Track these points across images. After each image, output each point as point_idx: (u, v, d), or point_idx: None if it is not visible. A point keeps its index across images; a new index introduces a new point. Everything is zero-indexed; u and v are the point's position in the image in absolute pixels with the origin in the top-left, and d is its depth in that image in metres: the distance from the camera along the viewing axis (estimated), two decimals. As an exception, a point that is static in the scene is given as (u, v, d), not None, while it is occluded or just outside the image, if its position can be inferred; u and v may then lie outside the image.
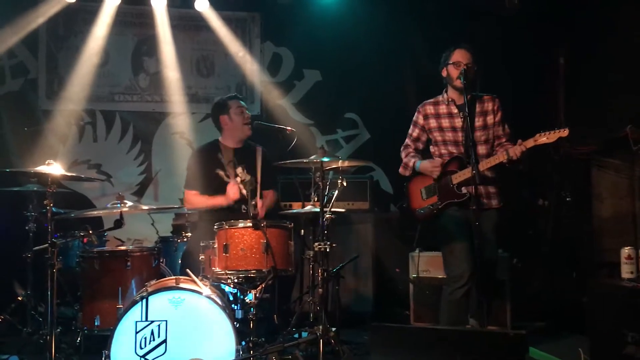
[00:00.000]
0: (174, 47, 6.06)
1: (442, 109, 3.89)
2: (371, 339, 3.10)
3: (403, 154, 4.03)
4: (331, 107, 6.35)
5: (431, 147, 3.98)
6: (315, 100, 6.35)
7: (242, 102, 4.52)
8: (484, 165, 3.65)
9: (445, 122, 3.87)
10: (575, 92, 5.52)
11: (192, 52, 6.27)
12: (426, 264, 4.75)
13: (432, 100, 3.95)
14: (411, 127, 4.02)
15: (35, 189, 4.52)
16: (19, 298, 4.61)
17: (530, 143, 3.57)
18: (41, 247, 3.49)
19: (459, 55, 3.76)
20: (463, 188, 3.69)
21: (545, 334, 4.53)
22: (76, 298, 4.23)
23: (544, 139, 3.53)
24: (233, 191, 4.19)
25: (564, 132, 3.50)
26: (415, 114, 3.99)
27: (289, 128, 4.47)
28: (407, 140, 4.04)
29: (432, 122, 3.91)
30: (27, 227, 4.55)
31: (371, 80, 6.17)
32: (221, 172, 4.35)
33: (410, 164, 3.94)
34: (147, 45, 6.18)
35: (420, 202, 3.89)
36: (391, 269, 5.34)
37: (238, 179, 4.26)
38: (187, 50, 6.23)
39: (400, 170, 4.02)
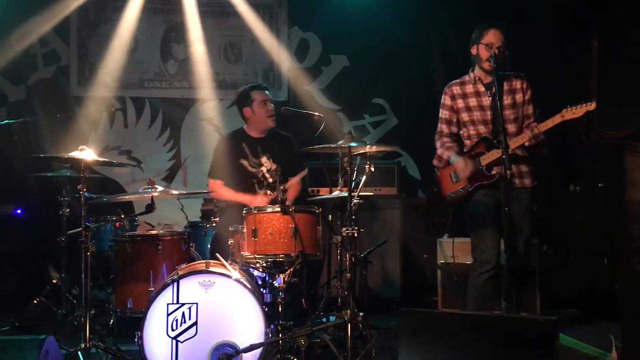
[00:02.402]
0: (202, 33, 6.10)
1: (469, 88, 3.82)
2: (399, 323, 3.09)
3: (438, 144, 3.93)
4: (358, 93, 6.33)
5: (460, 129, 3.93)
6: (342, 86, 6.33)
7: (266, 92, 4.49)
8: (511, 145, 3.58)
9: (473, 102, 3.80)
10: (608, 75, 5.39)
11: (219, 38, 6.30)
12: (455, 250, 4.73)
13: (458, 80, 3.89)
14: (440, 110, 3.94)
15: (68, 174, 4.60)
16: (53, 281, 4.72)
17: (557, 119, 3.49)
18: (75, 231, 3.57)
19: (492, 36, 3.67)
20: (493, 169, 3.65)
21: (577, 321, 4.48)
22: (109, 281, 4.32)
23: (570, 113, 3.45)
24: (260, 202, 4.19)
25: (591, 106, 3.41)
26: (443, 96, 3.93)
27: (316, 114, 4.47)
28: (440, 125, 3.94)
29: (460, 103, 3.84)
30: (60, 212, 4.64)
31: (399, 65, 6.12)
32: (245, 162, 4.36)
33: (445, 156, 3.87)
34: (176, 31, 6.23)
35: (451, 186, 3.85)
36: (419, 254, 5.33)
37: (263, 168, 4.28)
38: (215, 36, 6.25)
39: (435, 162, 3.95)
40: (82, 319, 3.47)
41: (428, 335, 2.92)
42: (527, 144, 3.59)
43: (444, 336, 2.87)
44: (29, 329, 4.46)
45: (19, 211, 5.44)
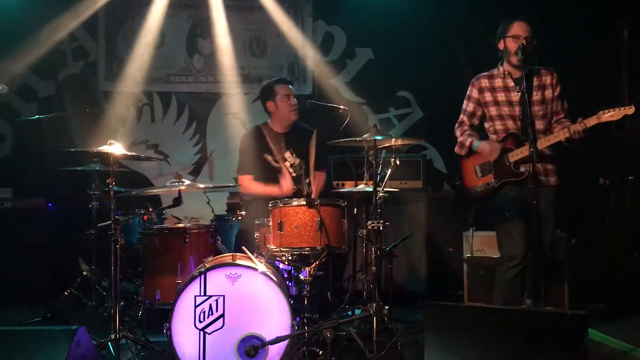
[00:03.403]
0: (227, 27, 6.14)
1: (498, 82, 3.78)
2: (425, 317, 3.09)
3: (458, 132, 3.92)
4: (383, 86, 6.30)
5: (485, 122, 3.88)
6: (367, 79, 6.31)
7: (290, 86, 4.49)
8: (543, 143, 3.53)
9: (501, 96, 3.76)
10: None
11: (244, 33, 6.32)
12: (481, 244, 4.70)
13: (486, 73, 3.84)
14: (465, 102, 3.90)
15: (97, 168, 4.68)
16: (84, 273, 4.82)
17: (592, 121, 3.43)
18: (104, 224, 3.63)
19: (519, 28, 3.62)
20: (521, 166, 3.61)
21: (606, 315, 4.42)
22: (137, 273, 4.39)
23: (608, 116, 3.39)
24: (286, 185, 4.21)
25: (630, 110, 3.35)
26: (469, 87, 3.88)
27: (341, 107, 4.47)
28: (462, 117, 3.92)
29: (488, 96, 3.80)
30: (90, 205, 4.72)
31: (424, 57, 6.08)
32: (269, 157, 4.37)
33: (467, 143, 3.83)
34: (201, 26, 6.28)
35: (475, 180, 3.82)
36: (444, 248, 5.31)
37: (287, 163, 4.30)
38: (240, 30, 6.28)
39: (456, 149, 3.93)
40: (112, 310, 3.53)
41: (454, 329, 2.91)
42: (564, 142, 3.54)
43: (470, 330, 2.86)
44: (61, 320, 4.56)
45: (49, 205, 5.56)
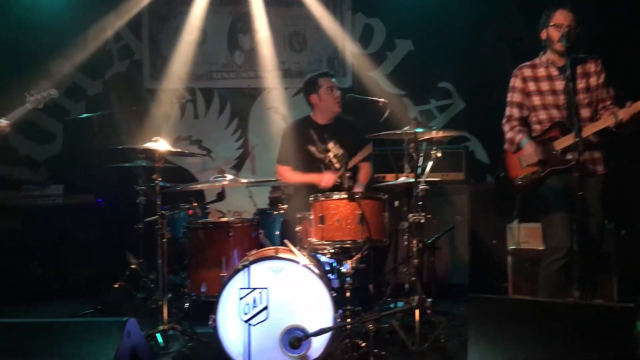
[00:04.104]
0: (267, 23, 6.19)
1: (541, 71, 3.70)
2: (468, 310, 3.07)
3: (507, 127, 3.79)
4: (424, 77, 6.25)
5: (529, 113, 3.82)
6: (407, 71, 6.27)
7: (332, 79, 4.52)
8: (589, 130, 3.44)
9: (545, 86, 3.68)
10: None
11: (284, 28, 6.36)
12: (526, 235, 4.62)
13: (529, 63, 3.77)
14: (509, 94, 3.82)
15: (143, 164, 4.80)
16: (132, 266, 4.95)
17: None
18: (151, 218, 3.74)
19: (561, 17, 3.55)
20: (568, 154, 3.53)
21: (656, 308, 4.29)
22: (183, 266, 4.50)
23: None
24: (328, 179, 4.23)
25: None
26: (512, 78, 3.80)
27: (381, 100, 4.46)
28: (511, 110, 3.80)
29: (531, 86, 3.72)
30: (137, 201, 4.86)
31: (465, 47, 6.00)
32: (313, 148, 4.41)
33: (517, 139, 3.72)
34: (242, 22, 6.35)
35: (520, 170, 3.75)
36: (488, 240, 5.25)
37: (330, 154, 4.32)
38: (280, 25, 6.32)
39: (506, 146, 3.81)
40: (160, 302, 3.63)
41: (498, 322, 2.88)
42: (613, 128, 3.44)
43: (515, 323, 2.82)
44: (111, 311, 4.71)
45: (99, 200, 5.74)
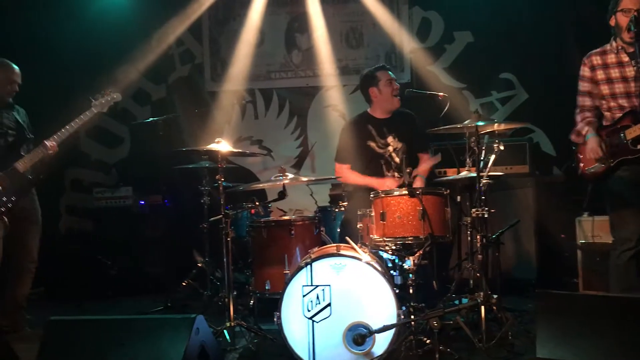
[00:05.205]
0: (323, 21, 6.21)
1: (611, 58, 3.56)
2: (537, 306, 2.99)
3: (578, 118, 3.69)
4: (485, 69, 6.12)
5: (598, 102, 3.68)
6: (467, 63, 6.15)
7: (390, 73, 4.49)
8: None
9: (615, 73, 3.54)
10: None
11: (341, 25, 6.38)
12: (597, 229, 4.45)
13: (598, 50, 3.63)
14: (580, 83, 3.69)
15: (207, 165, 4.92)
16: (198, 265, 5.10)
17: None
18: (216, 218, 3.82)
19: (629, 1, 3.40)
20: (638, 144, 3.38)
21: None
22: (247, 264, 4.59)
23: None
24: (388, 186, 4.19)
25: None
26: (581, 67, 3.68)
27: (440, 94, 4.40)
28: (582, 99, 3.68)
29: (600, 74, 3.59)
30: (202, 201, 4.99)
31: (527, 35, 5.83)
32: (372, 143, 4.40)
33: (584, 132, 3.61)
34: (299, 22, 6.40)
35: (591, 161, 3.62)
36: (555, 234, 5.08)
37: (390, 148, 4.30)
38: (337, 23, 6.34)
39: (572, 137, 3.71)
40: (226, 299, 3.72)
41: (568, 318, 2.80)
42: None
43: (586, 320, 2.74)
44: (179, 308, 4.87)
45: (166, 201, 5.92)
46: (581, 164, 3.67)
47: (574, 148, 3.76)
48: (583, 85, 3.68)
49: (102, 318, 3.16)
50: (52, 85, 5.73)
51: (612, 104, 3.56)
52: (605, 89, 3.58)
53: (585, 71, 3.66)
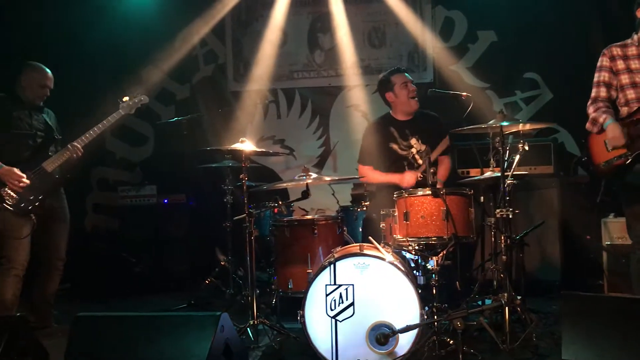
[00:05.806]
0: (346, 21, 6.22)
1: (632, 50, 3.53)
2: (562, 308, 2.97)
3: (591, 109, 3.63)
4: (508, 68, 6.08)
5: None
6: (490, 63, 6.11)
7: (407, 75, 4.48)
8: None
9: (635, 64, 3.50)
10: None
11: (363, 24, 6.37)
12: (622, 230, 4.38)
13: (619, 43, 3.59)
14: (597, 74, 3.64)
15: (230, 164, 4.96)
16: (221, 263, 5.14)
17: None
18: (239, 217, 3.85)
19: None
20: None
21: None
22: (269, 263, 4.62)
23: None
24: (409, 179, 4.21)
25: None
26: (600, 58, 3.63)
27: (464, 94, 4.37)
28: (598, 90, 3.63)
29: (620, 64, 3.54)
30: (225, 200, 5.03)
31: (551, 34, 5.77)
32: (395, 146, 4.40)
33: (601, 119, 3.54)
34: (321, 21, 6.42)
35: (605, 154, 3.53)
36: (580, 235, 5.01)
37: (413, 150, 4.30)
38: (359, 22, 6.34)
39: (588, 126, 3.65)
40: (249, 298, 3.75)
41: (594, 320, 2.78)
42: None
43: (611, 322, 2.72)
44: (203, 306, 4.90)
45: (189, 200, 5.98)
46: (593, 157, 3.61)
47: (583, 141, 3.70)
48: (602, 76, 3.62)
49: (129, 314, 3.21)
50: (78, 85, 5.82)
51: (631, 95, 3.49)
52: (625, 79, 3.53)
53: (604, 61, 3.61)
